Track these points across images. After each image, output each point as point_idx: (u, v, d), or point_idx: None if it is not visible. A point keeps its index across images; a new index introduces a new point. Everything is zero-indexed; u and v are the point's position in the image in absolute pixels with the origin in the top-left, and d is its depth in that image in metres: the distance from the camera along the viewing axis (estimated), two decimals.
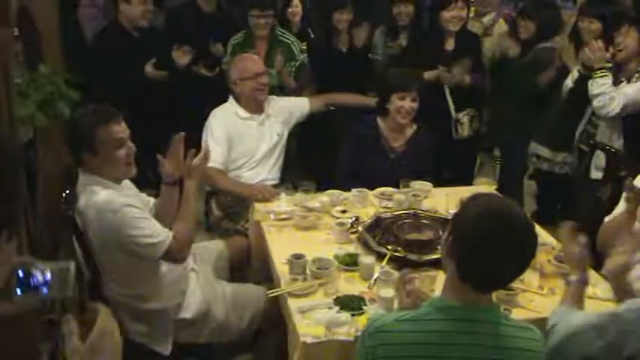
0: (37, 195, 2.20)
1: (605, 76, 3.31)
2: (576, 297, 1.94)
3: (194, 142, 3.05)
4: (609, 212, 2.55)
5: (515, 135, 4.11)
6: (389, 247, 2.60)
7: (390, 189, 3.20)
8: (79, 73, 2.47)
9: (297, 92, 4.16)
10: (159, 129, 2.71)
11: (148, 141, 2.73)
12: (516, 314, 2.17)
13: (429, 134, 3.52)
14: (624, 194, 2.40)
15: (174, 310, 2.59)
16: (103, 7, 4.61)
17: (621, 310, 1.72)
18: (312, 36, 4.46)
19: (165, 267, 2.54)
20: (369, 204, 3.12)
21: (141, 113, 3.30)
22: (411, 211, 2.91)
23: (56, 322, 1.38)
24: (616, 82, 3.34)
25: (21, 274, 1.26)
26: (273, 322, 2.60)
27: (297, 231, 2.86)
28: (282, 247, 2.67)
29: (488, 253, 1.60)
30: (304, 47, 4.29)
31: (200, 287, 2.68)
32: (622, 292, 1.95)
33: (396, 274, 2.40)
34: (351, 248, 2.68)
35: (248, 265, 3.10)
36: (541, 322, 1.98)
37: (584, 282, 1.97)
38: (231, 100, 3.65)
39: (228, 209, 3.50)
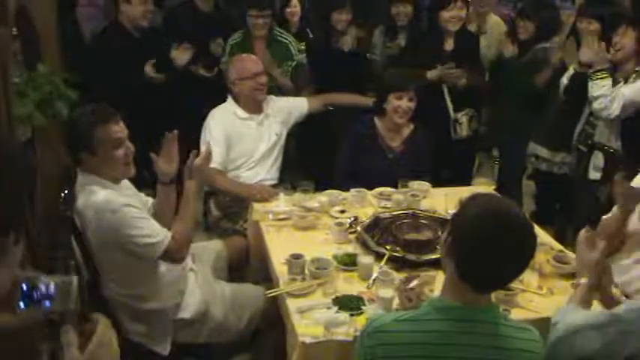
0: (36, 195, 2.20)
1: (606, 77, 3.31)
2: (585, 299, 1.93)
3: (193, 142, 3.04)
4: (608, 212, 2.56)
5: (514, 135, 4.11)
6: (388, 247, 2.60)
7: (388, 189, 3.20)
8: (78, 73, 2.47)
9: (295, 92, 4.16)
10: (157, 129, 2.70)
11: (147, 141, 2.73)
12: (515, 314, 2.17)
13: (427, 134, 3.53)
14: (614, 190, 2.41)
15: (173, 310, 2.59)
16: (103, 6, 4.61)
17: (621, 310, 1.73)
18: (311, 36, 4.46)
19: (164, 267, 2.54)
20: (367, 204, 3.11)
21: (139, 113, 3.29)
22: (410, 211, 2.91)
23: (55, 332, 1.38)
24: (613, 83, 3.34)
25: (25, 287, 1.27)
26: (272, 322, 2.60)
27: (295, 231, 2.85)
28: (280, 247, 2.66)
29: (487, 253, 1.60)
30: (303, 47, 4.29)
31: (199, 287, 2.68)
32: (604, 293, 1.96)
33: (394, 274, 2.40)
34: (350, 248, 2.68)
35: (247, 265, 3.10)
36: (540, 322, 1.98)
37: (595, 286, 1.97)
38: (229, 100, 3.64)
39: (226, 209, 3.50)
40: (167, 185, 2.62)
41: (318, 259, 2.48)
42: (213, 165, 3.30)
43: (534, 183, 4.42)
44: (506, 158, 4.44)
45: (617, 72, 3.38)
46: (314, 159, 4.22)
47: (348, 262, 2.53)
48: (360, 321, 2.14)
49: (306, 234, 2.83)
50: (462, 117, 4.02)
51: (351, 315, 2.19)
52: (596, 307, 2.04)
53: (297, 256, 2.45)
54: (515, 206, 1.68)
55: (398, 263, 2.53)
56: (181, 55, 4.02)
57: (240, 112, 3.59)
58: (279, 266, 2.52)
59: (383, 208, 3.05)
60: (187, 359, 2.76)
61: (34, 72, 2.23)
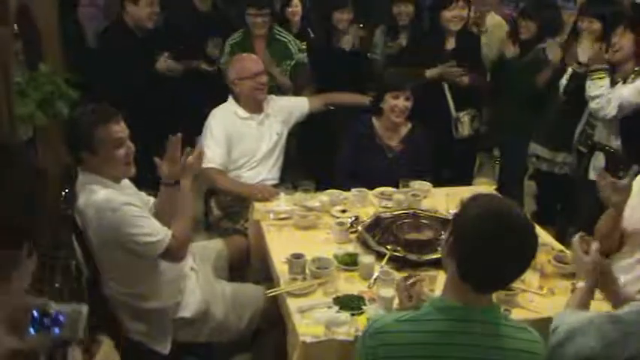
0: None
1: (603, 77, 3.31)
2: (583, 302, 1.94)
3: (194, 142, 3.04)
4: None
5: (515, 135, 4.11)
6: (388, 247, 2.59)
7: (389, 189, 3.20)
8: (79, 73, 2.48)
9: (295, 91, 4.16)
10: (158, 129, 2.71)
11: (148, 141, 2.73)
12: (516, 314, 2.18)
13: (426, 133, 3.53)
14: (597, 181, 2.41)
15: (174, 309, 2.59)
16: (104, 6, 4.61)
17: (622, 312, 1.73)
18: (312, 35, 4.45)
19: (164, 266, 2.54)
20: (368, 203, 3.11)
21: (141, 113, 3.29)
22: (411, 211, 2.91)
23: (61, 353, 1.40)
24: (612, 83, 3.33)
25: (36, 314, 1.28)
26: (273, 321, 2.60)
27: (296, 230, 2.85)
28: (281, 246, 2.66)
29: (488, 253, 1.60)
30: (304, 47, 4.29)
31: (199, 286, 2.68)
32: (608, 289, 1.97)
33: (395, 273, 2.40)
34: (351, 248, 2.68)
35: (247, 264, 3.10)
36: (541, 323, 1.98)
37: (593, 288, 1.98)
38: (230, 99, 3.64)
39: (227, 209, 3.50)
40: (170, 186, 2.62)
41: (319, 258, 2.48)
42: (214, 165, 3.32)
43: (535, 183, 4.42)
44: (507, 158, 4.44)
45: (615, 72, 3.38)
46: (315, 158, 4.22)
47: (349, 262, 2.53)
48: (361, 321, 2.14)
49: (307, 233, 2.83)
50: (464, 116, 4.02)
51: (352, 315, 2.19)
52: (596, 307, 2.05)
53: (297, 256, 2.45)
54: (517, 206, 1.68)
55: (399, 263, 2.53)
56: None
57: (241, 112, 3.58)
58: (280, 266, 2.52)
59: (384, 207, 3.05)
60: (188, 358, 2.77)
61: (35, 72, 2.24)
